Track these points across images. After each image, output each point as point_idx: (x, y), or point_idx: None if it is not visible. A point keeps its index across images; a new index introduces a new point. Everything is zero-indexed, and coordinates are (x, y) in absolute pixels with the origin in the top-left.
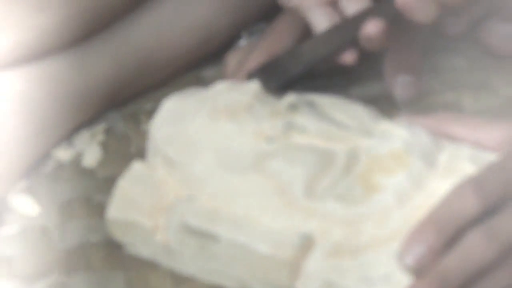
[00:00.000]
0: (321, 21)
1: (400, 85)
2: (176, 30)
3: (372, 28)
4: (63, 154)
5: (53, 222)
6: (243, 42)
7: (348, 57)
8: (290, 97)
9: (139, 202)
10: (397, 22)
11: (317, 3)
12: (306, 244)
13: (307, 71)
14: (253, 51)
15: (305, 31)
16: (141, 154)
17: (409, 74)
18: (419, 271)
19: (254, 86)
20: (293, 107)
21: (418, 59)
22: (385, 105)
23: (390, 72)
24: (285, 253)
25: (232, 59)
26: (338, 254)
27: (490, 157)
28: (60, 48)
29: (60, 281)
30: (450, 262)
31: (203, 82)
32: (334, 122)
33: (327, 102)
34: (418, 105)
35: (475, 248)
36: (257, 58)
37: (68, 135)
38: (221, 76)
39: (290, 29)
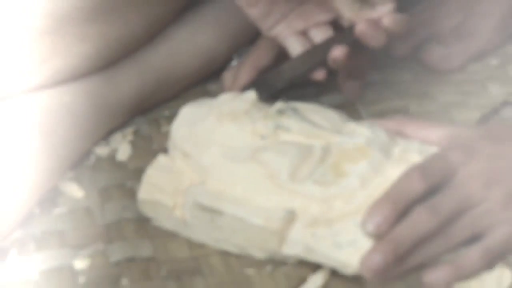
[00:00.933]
0: (295, 47)
1: (348, 87)
2: (186, 54)
3: (338, 52)
4: (102, 150)
5: (94, 203)
6: (234, 63)
7: (319, 75)
8: (279, 104)
9: (162, 186)
10: (355, 46)
11: (291, 33)
12: (290, 217)
13: (288, 85)
14: (241, 68)
15: (280, 51)
16: (162, 150)
17: (355, 80)
18: (377, 237)
19: (251, 96)
20: (280, 112)
21: (365, 70)
22: (349, 110)
23: (342, 78)
24: (274, 224)
25: (227, 76)
26: (315, 225)
27: (433, 150)
28: (97, 69)
29: (101, 249)
30: (401, 230)
31: (209, 94)
32: (312, 123)
33: (307, 108)
34: (375, 109)
35: (420, 219)
36: (245, 73)
37: (105, 136)
38: (222, 89)
39: (268, 49)
